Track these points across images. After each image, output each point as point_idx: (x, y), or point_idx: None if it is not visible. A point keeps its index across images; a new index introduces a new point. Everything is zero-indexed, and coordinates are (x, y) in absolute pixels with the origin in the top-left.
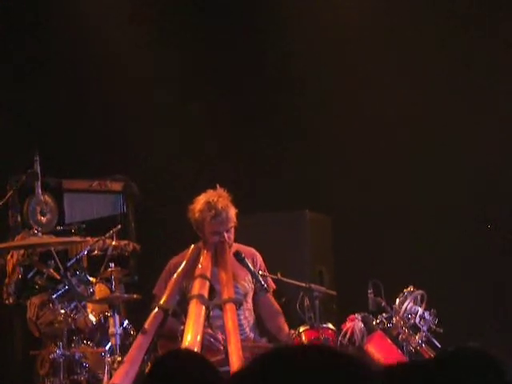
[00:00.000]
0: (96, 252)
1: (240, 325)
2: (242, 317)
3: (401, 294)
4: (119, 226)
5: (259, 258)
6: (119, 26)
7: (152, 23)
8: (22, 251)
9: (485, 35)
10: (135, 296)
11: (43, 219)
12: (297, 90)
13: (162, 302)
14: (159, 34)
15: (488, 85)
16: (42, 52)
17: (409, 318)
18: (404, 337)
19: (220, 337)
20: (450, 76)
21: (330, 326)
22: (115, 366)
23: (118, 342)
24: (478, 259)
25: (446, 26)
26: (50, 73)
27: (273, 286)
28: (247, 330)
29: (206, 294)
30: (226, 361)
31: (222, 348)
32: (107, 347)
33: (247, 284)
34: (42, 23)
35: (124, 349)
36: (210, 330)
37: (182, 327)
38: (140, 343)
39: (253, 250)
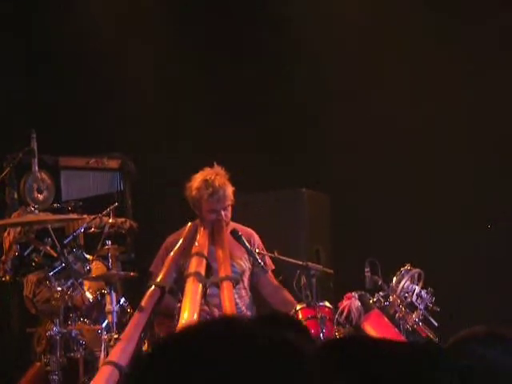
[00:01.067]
0: (93, 229)
1: (236, 303)
2: (237, 295)
3: (398, 273)
4: (116, 204)
5: (257, 239)
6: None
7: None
8: (18, 228)
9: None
10: (132, 273)
11: (40, 196)
12: (297, 67)
13: (158, 279)
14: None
15: (492, 82)
16: (38, 31)
17: (406, 297)
18: (401, 315)
19: (216, 315)
20: (454, 71)
21: (327, 304)
22: (112, 343)
23: (115, 320)
24: (475, 237)
25: (450, 25)
26: (46, 50)
27: (271, 265)
28: (243, 308)
29: (202, 271)
30: None
31: None
32: (104, 325)
33: (244, 263)
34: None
35: (121, 326)
36: (206, 308)
37: (179, 305)
38: (137, 321)
39: (250, 231)
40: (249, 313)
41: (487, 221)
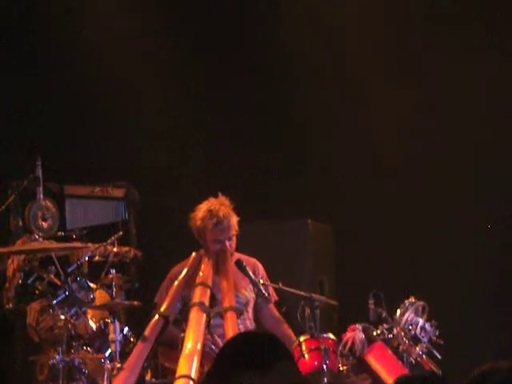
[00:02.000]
0: (97, 258)
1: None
2: (242, 326)
3: (402, 305)
4: (120, 233)
5: (261, 269)
6: (118, 33)
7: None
8: (22, 256)
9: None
10: (136, 303)
11: (44, 224)
12: (298, 99)
13: (162, 309)
14: (159, 36)
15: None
16: (43, 57)
17: (409, 329)
18: (404, 348)
19: (220, 345)
20: (453, 79)
21: (331, 335)
22: (115, 372)
23: (118, 349)
24: (479, 271)
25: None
26: (51, 78)
27: (275, 296)
28: None
29: (206, 301)
30: None
31: None
32: (107, 354)
33: (248, 293)
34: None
35: (124, 356)
36: (210, 338)
37: (183, 335)
38: (140, 350)
39: (254, 260)
40: None
41: (494, 251)
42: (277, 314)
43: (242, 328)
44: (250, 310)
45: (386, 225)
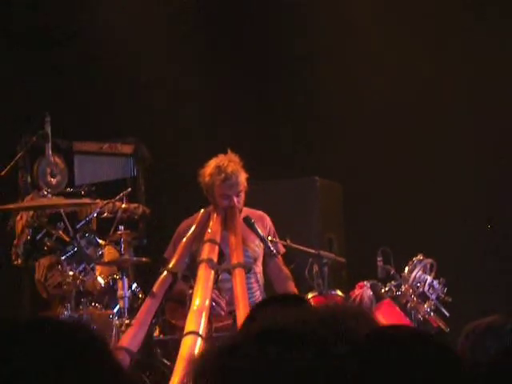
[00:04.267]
0: (105, 214)
1: (250, 288)
2: (252, 280)
3: (410, 262)
4: (129, 189)
5: (268, 221)
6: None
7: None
8: (31, 212)
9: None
10: (144, 259)
11: (53, 181)
12: (308, 60)
13: (170, 265)
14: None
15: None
16: (53, 15)
17: (418, 287)
18: (412, 305)
19: (224, 302)
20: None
21: (339, 292)
22: (123, 328)
23: (127, 305)
24: (489, 229)
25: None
26: (61, 34)
27: (282, 249)
28: (257, 293)
29: (215, 258)
30: (233, 326)
31: (222, 313)
32: (115, 310)
33: (257, 248)
34: None
35: (132, 312)
36: (217, 292)
37: (191, 291)
38: (148, 306)
39: (262, 213)
40: (260, 299)
41: (501, 212)
42: (284, 268)
43: (252, 282)
44: (260, 264)
45: (395, 182)
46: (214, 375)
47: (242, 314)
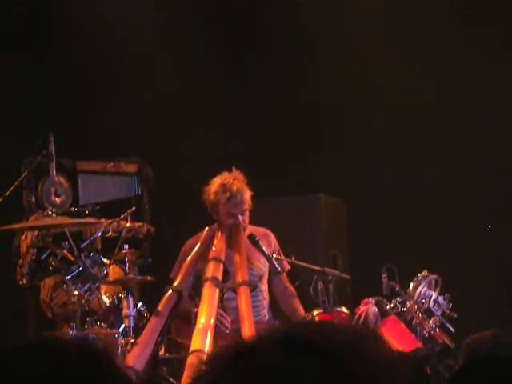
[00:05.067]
0: (110, 234)
1: (256, 306)
2: (258, 297)
3: (415, 279)
4: (133, 208)
5: (273, 239)
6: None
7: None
8: (36, 232)
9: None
10: (149, 278)
11: (57, 200)
12: (312, 77)
13: (175, 284)
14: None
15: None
16: (57, 34)
17: (423, 303)
18: (418, 321)
19: (228, 320)
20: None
21: (344, 309)
22: (128, 347)
23: (132, 324)
24: (493, 244)
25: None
26: (65, 54)
27: (287, 266)
28: (264, 311)
29: (220, 276)
30: None
31: (226, 331)
32: (120, 329)
33: (262, 265)
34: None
35: (137, 331)
36: (222, 312)
37: (196, 310)
38: (153, 325)
39: (267, 231)
40: (267, 317)
41: (505, 225)
42: (289, 286)
43: (259, 300)
44: (265, 281)
45: (398, 198)
46: (230, 376)
47: (247, 332)
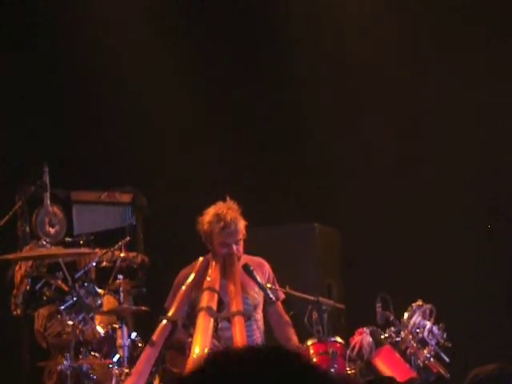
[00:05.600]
0: (104, 264)
1: (250, 336)
2: (253, 327)
3: (409, 308)
4: (128, 238)
5: (268, 268)
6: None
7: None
8: (30, 262)
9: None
10: (143, 308)
11: (52, 230)
12: (304, 101)
13: (170, 313)
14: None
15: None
16: (50, 62)
17: (417, 332)
18: (412, 351)
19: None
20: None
21: (338, 339)
22: (123, 377)
23: (126, 354)
24: (487, 274)
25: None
26: (59, 84)
27: (282, 295)
28: (258, 340)
29: (214, 306)
30: None
31: None
32: (115, 359)
33: (257, 295)
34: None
35: (132, 361)
36: (216, 342)
37: (191, 339)
38: (148, 355)
39: (261, 260)
40: None
41: (502, 254)
42: (284, 314)
43: (253, 329)
44: (260, 311)
45: (392, 229)
46: None
47: None
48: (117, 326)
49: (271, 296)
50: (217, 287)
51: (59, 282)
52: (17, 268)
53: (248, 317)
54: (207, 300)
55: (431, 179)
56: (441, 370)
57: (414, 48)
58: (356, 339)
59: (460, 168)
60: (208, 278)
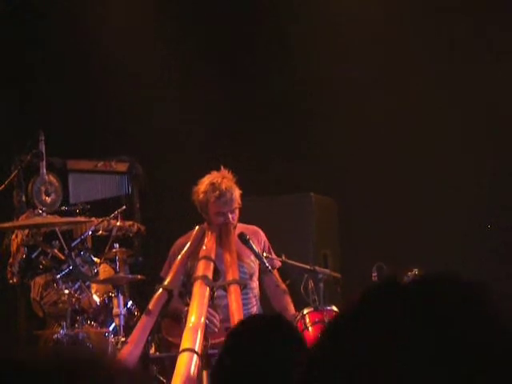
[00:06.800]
0: (101, 232)
1: (247, 304)
2: (249, 295)
3: (405, 277)
4: (124, 207)
5: (263, 236)
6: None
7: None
8: (26, 231)
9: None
10: (139, 277)
11: (48, 199)
12: (302, 72)
13: (166, 282)
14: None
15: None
16: (46, 32)
17: None
18: None
19: (217, 319)
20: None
21: (334, 308)
22: (119, 346)
23: (122, 323)
24: (483, 243)
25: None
26: (55, 53)
27: (278, 263)
28: (254, 308)
29: (210, 275)
30: None
31: (216, 330)
32: (111, 328)
33: (253, 263)
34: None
35: (128, 329)
36: (211, 310)
37: (187, 308)
38: (144, 324)
39: (256, 228)
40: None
41: (497, 226)
42: (280, 283)
43: (249, 297)
44: (256, 279)
45: (389, 197)
46: None
47: None
48: (113, 295)
49: (267, 265)
50: (213, 256)
51: (55, 250)
52: (13, 237)
53: (244, 285)
54: (203, 269)
55: (429, 146)
56: None
57: (413, 47)
58: None
59: (459, 136)
60: (204, 247)
